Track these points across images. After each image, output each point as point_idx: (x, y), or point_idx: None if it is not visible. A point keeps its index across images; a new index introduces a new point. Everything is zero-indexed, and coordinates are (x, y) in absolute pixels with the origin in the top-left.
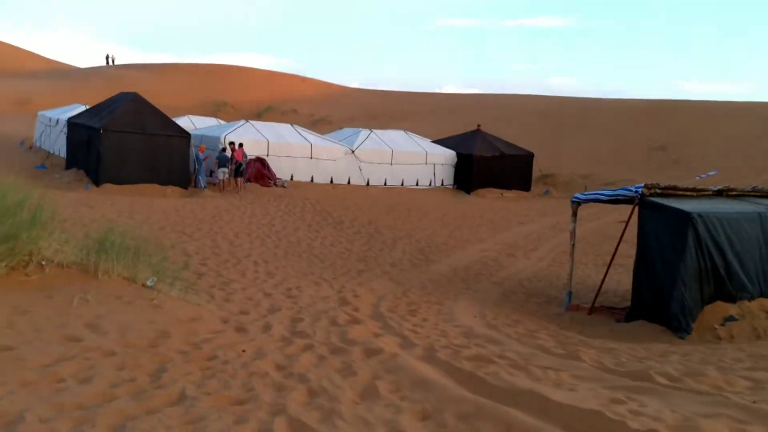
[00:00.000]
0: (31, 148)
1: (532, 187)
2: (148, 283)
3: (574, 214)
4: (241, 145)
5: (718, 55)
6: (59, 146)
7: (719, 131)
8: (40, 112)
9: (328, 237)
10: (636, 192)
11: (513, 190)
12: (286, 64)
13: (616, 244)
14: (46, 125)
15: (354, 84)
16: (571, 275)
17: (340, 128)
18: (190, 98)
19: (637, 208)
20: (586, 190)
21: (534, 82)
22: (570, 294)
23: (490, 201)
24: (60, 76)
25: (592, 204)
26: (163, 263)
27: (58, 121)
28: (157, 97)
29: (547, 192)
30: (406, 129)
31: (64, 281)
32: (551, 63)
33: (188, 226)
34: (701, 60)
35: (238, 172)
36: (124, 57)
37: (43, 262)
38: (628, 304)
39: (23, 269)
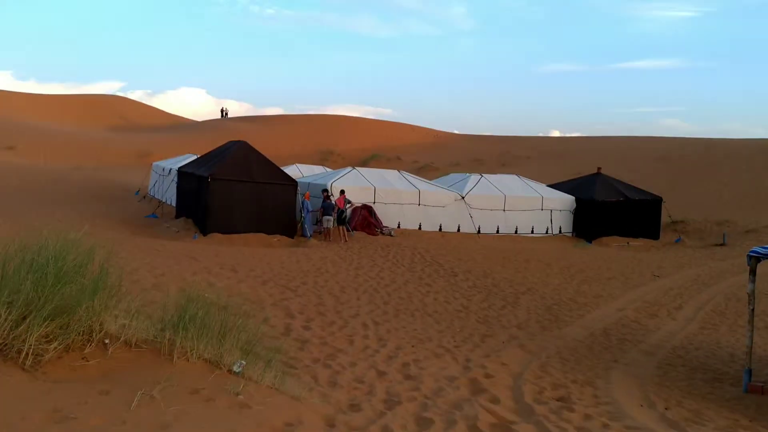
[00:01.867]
0: (144, 197)
1: (661, 235)
2: (235, 368)
3: (753, 272)
4: (342, 192)
5: None
6: (170, 195)
7: None
8: (154, 163)
9: (441, 292)
10: None
11: (640, 239)
12: (388, 113)
13: None
14: (159, 175)
15: (457, 130)
16: (750, 348)
17: (446, 174)
18: (297, 148)
19: None
20: (725, 238)
21: (644, 126)
22: (750, 372)
23: (615, 250)
24: (178, 130)
25: (733, 252)
26: (255, 339)
27: (170, 171)
28: (265, 146)
29: (679, 240)
30: (515, 174)
31: (130, 366)
32: (659, 106)
33: (293, 279)
34: None
35: (340, 220)
36: (237, 110)
37: (106, 341)
38: None
39: (80, 350)
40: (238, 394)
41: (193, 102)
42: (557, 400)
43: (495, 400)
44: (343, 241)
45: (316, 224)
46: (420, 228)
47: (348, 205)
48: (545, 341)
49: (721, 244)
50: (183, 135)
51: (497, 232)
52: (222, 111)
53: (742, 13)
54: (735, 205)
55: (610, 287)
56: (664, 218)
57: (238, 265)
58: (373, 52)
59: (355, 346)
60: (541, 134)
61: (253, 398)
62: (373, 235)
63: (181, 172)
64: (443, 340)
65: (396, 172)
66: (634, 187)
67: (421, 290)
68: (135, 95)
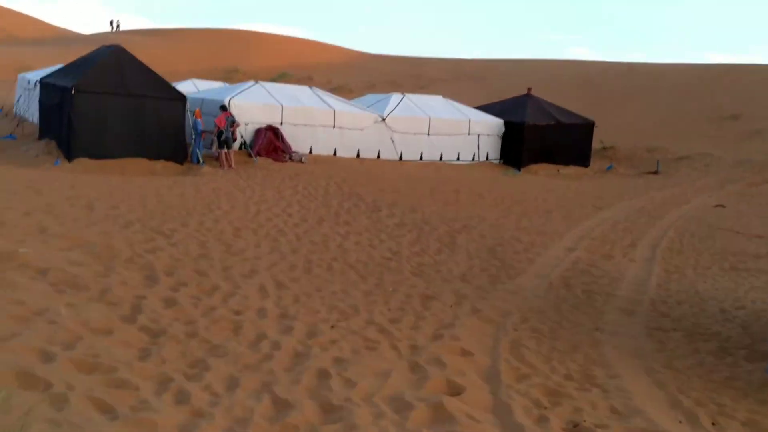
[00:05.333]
0: (6, 115)
1: (591, 163)
2: None
3: None
4: (223, 108)
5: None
6: (34, 112)
7: None
8: (20, 75)
9: (363, 233)
10: None
11: (570, 166)
12: (298, 32)
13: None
14: (24, 89)
15: (371, 50)
16: None
17: (362, 96)
18: (199, 65)
19: None
20: (659, 166)
21: (553, 54)
22: None
23: (546, 179)
24: (62, 43)
25: (670, 181)
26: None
27: (36, 83)
28: (162, 63)
29: (611, 167)
30: (440, 95)
31: None
32: (567, 34)
33: (169, 220)
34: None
35: (221, 142)
36: (131, 24)
37: None
38: None
39: None
40: None
41: (84, 13)
42: (573, 428)
43: (475, 420)
44: (226, 167)
45: (210, 147)
46: (335, 154)
47: (232, 126)
48: (501, 300)
49: (655, 172)
50: (68, 48)
51: (421, 158)
52: (111, 23)
53: None
54: (662, 131)
55: (551, 222)
56: (595, 144)
57: (97, 201)
58: None
59: (242, 338)
60: (457, 56)
61: None
62: (281, 161)
63: (44, 84)
64: (374, 311)
65: (308, 88)
66: (566, 110)
67: (340, 231)
68: (19, 3)
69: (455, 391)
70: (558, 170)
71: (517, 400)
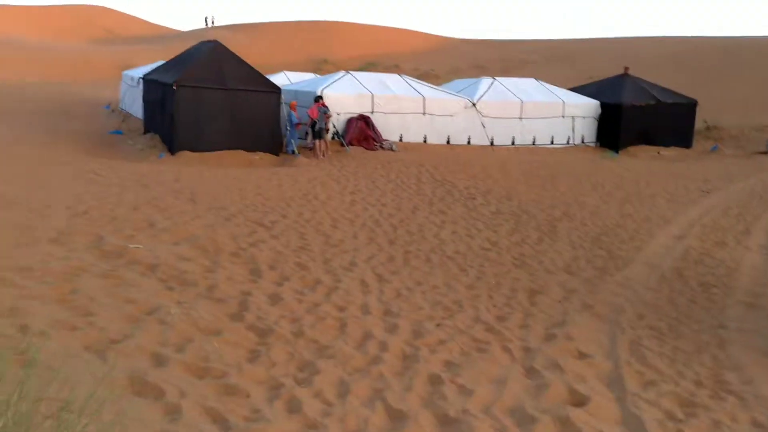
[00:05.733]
0: (113, 111)
1: (694, 143)
2: None
3: None
4: (317, 99)
5: None
6: (138, 108)
7: None
8: (124, 72)
9: (459, 221)
10: None
11: (671, 147)
12: (383, 21)
13: None
14: (128, 85)
15: (455, 35)
16: None
17: (449, 82)
18: (289, 57)
19: None
20: None
21: (644, 30)
22: None
23: (646, 162)
24: (161, 40)
25: (734, 154)
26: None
27: (139, 80)
28: (254, 56)
29: (715, 148)
30: (532, 77)
31: None
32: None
33: (270, 212)
34: None
35: (315, 133)
36: (225, 20)
37: None
38: None
39: None
40: None
41: (181, 10)
42: None
43: None
44: (320, 157)
45: (305, 138)
46: (425, 141)
47: (325, 116)
48: (612, 294)
49: (765, 152)
50: (167, 45)
51: (513, 143)
52: (206, 19)
53: None
54: None
55: (657, 207)
56: (698, 124)
57: (200, 193)
58: None
59: (348, 338)
60: (543, 37)
61: None
62: (372, 149)
63: (147, 80)
64: (479, 306)
65: (397, 76)
66: (666, 89)
67: (435, 220)
68: (119, 3)
69: (578, 400)
70: (659, 152)
71: (648, 411)
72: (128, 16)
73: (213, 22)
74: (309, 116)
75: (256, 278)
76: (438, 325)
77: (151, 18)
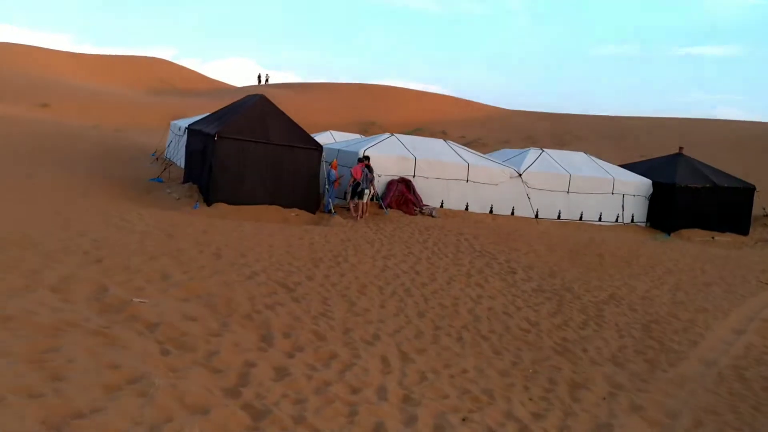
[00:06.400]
0: (157, 159)
1: (751, 230)
2: None
3: None
4: (361, 159)
5: None
6: (181, 157)
7: None
8: (172, 122)
9: (497, 297)
10: None
11: (726, 233)
12: (435, 89)
13: None
14: (175, 135)
15: (506, 106)
16: None
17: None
18: (338, 118)
19: None
20: None
21: (701, 113)
22: None
23: (700, 246)
24: (216, 95)
25: None
26: None
27: (184, 130)
28: (304, 115)
29: None
30: (582, 151)
31: None
32: (719, 94)
33: (295, 272)
34: None
35: (355, 193)
36: (279, 78)
37: None
38: None
39: None
40: None
41: (241, 71)
42: None
43: None
44: (359, 217)
45: (345, 198)
46: (467, 209)
47: (370, 176)
48: (664, 393)
49: None
50: (220, 99)
51: (558, 217)
52: (259, 77)
53: None
54: None
55: (712, 297)
56: (756, 210)
57: (227, 247)
58: (423, 28)
59: (356, 429)
60: (597, 113)
61: None
62: (411, 214)
63: (190, 130)
64: (512, 399)
65: (442, 141)
66: (722, 172)
67: (471, 294)
68: (186, 62)
69: None
70: (713, 237)
71: None
72: (186, 68)
73: (267, 80)
74: (352, 175)
75: (266, 346)
76: (464, 419)
77: (207, 72)
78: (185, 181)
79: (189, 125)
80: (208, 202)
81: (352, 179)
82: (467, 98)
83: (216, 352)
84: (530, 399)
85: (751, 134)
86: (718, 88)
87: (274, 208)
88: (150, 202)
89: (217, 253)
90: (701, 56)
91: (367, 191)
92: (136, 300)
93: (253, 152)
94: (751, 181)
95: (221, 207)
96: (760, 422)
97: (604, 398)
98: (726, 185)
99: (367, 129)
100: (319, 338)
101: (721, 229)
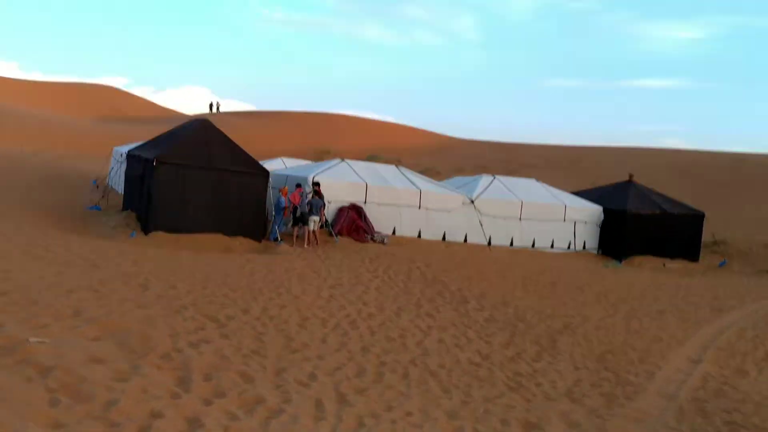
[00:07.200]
0: (98, 187)
1: (701, 257)
2: None
3: None
4: (314, 185)
5: None
6: (122, 183)
7: None
8: (114, 147)
9: (448, 328)
10: None
11: (677, 260)
12: (389, 118)
13: None
14: (117, 161)
15: (459, 135)
16: None
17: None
18: (292, 146)
19: None
20: None
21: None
22: None
23: (651, 273)
24: (166, 122)
25: (743, 271)
26: None
27: (122, 155)
28: (258, 143)
29: (723, 263)
30: (533, 178)
31: None
32: (660, 124)
33: (230, 304)
34: None
35: (296, 219)
36: (233, 107)
37: None
38: None
39: None
40: None
41: (194, 100)
42: None
43: None
44: (306, 245)
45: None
46: (419, 236)
47: (321, 203)
48: None
49: None
50: (169, 126)
51: (511, 244)
52: (211, 105)
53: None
54: None
55: (666, 325)
56: (706, 237)
57: (156, 279)
58: (379, 59)
59: None
60: (547, 142)
61: None
62: (362, 241)
63: (130, 155)
64: None
65: (393, 167)
66: (672, 200)
67: (420, 325)
68: (138, 91)
69: None
70: (664, 264)
71: None
72: (137, 97)
73: (218, 109)
74: (291, 202)
75: (181, 392)
76: None
77: (159, 101)
78: (124, 208)
79: (129, 150)
80: (146, 230)
81: (291, 204)
82: (421, 127)
83: (115, 401)
84: None
85: (695, 161)
86: (661, 118)
87: (217, 237)
88: (84, 230)
89: (144, 285)
90: (644, 88)
91: (316, 218)
92: (33, 340)
93: (195, 178)
94: (698, 207)
95: (160, 236)
96: None
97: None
98: (676, 212)
99: (322, 157)
100: (245, 380)
101: (672, 256)
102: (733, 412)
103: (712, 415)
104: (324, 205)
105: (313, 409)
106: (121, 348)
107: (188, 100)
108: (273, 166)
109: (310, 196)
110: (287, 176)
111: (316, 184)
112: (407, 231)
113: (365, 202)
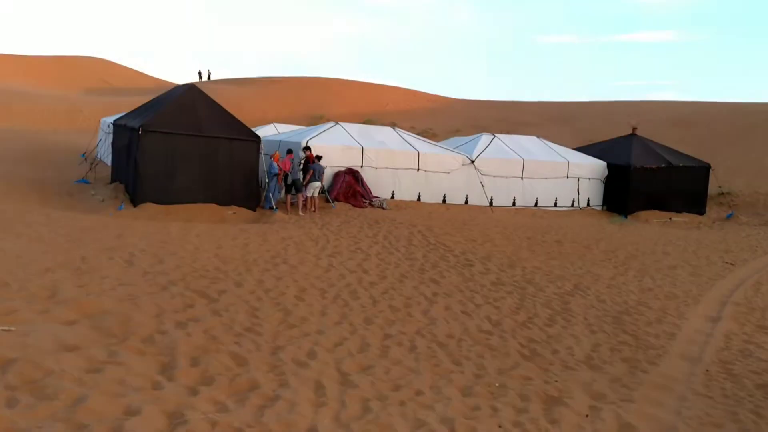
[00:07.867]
0: (86, 159)
1: (707, 210)
2: None
3: None
4: (306, 149)
5: None
6: (109, 155)
7: None
8: (102, 119)
9: (454, 294)
10: None
11: (683, 213)
12: (383, 80)
13: None
14: (105, 132)
15: (455, 95)
16: None
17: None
18: (285, 112)
19: None
20: None
21: (636, 97)
22: None
23: (658, 228)
24: (157, 92)
25: (751, 222)
26: None
27: (109, 125)
28: (250, 110)
29: (731, 215)
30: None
31: None
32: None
33: (221, 278)
34: None
35: (288, 187)
36: (223, 74)
37: None
38: None
39: None
40: None
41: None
42: None
43: None
44: (301, 213)
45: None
46: (419, 199)
47: (320, 169)
48: (652, 403)
49: None
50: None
51: (513, 204)
52: (200, 73)
53: None
54: None
55: (680, 282)
56: (712, 189)
57: (142, 253)
58: (370, 20)
59: None
60: (541, 99)
61: None
62: (360, 207)
63: (116, 125)
64: (478, 429)
65: (390, 129)
66: (677, 152)
67: (425, 292)
68: (123, 60)
69: None
70: (670, 218)
71: None
72: (126, 68)
73: (209, 77)
74: (280, 168)
75: (164, 380)
76: None
77: (151, 71)
78: (112, 180)
79: (115, 120)
80: (135, 202)
81: (281, 171)
82: (416, 89)
83: (85, 398)
84: (499, 426)
85: (694, 111)
86: (652, 74)
87: (210, 207)
88: (70, 205)
89: (129, 260)
90: (634, 43)
91: (318, 184)
92: None
93: (184, 146)
94: (701, 158)
95: (149, 207)
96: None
97: (587, 415)
98: (681, 164)
99: (315, 121)
100: (238, 363)
101: (678, 210)
102: (763, 374)
103: (742, 378)
104: (323, 170)
105: (312, 394)
106: (98, 332)
107: (179, 69)
108: (265, 132)
109: (303, 162)
110: (279, 141)
111: (307, 149)
112: (406, 194)
113: (362, 166)
